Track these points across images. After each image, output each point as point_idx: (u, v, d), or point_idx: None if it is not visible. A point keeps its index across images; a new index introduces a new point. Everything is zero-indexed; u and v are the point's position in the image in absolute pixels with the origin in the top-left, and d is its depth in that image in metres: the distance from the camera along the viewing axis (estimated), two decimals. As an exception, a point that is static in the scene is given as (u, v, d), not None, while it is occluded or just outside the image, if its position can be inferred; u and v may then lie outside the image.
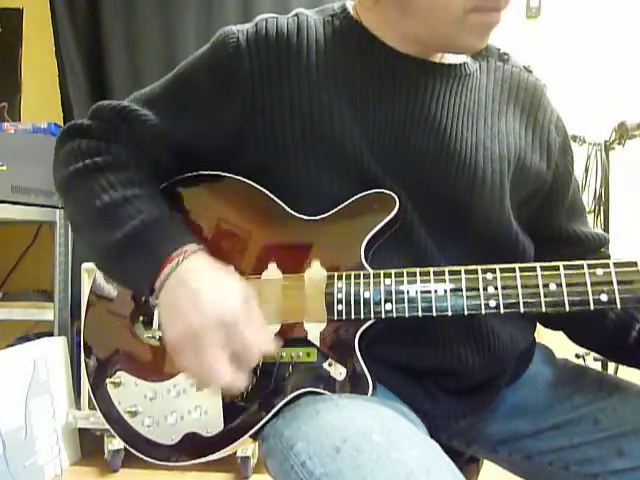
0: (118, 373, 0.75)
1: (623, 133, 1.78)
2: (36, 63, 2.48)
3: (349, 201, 0.71)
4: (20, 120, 2.45)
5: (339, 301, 0.66)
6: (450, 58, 0.76)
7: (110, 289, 0.81)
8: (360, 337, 0.66)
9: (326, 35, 0.74)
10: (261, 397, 0.68)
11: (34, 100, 2.48)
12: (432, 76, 0.74)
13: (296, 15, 0.75)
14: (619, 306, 0.60)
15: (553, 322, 0.88)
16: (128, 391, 0.74)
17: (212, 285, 0.63)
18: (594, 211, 1.90)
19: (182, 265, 0.64)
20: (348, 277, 0.67)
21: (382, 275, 0.66)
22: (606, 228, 1.87)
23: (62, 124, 2.23)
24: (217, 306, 0.60)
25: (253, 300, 0.64)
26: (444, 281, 0.64)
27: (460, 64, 0.76)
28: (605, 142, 1.88)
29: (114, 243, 0.67)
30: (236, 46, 0.72)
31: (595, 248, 0.88)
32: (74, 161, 0.74)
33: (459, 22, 0.67)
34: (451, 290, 0.64)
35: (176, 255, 0.64)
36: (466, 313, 0.63)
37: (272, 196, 0.74)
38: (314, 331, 0.67)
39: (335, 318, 0.67)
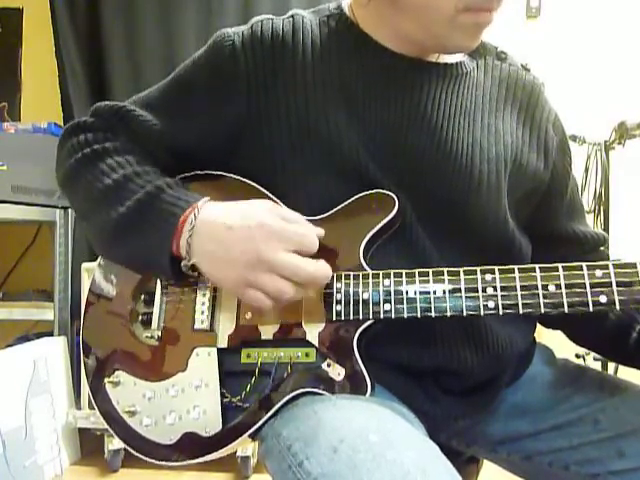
0: (117, 373, 0.75)
1: (623, 133, 1.78)
2: (36, 63, 2.48)
3: (348, 201, 0.71)
4: (20, 120, 2.45)
5: (338, 301, 0.67)
6: (446, 57, 0.76)
7: (109, 288, 0.81)
8: (359, 337, 0.66)
9: (322, 36, 0.74)
10: (260, 397, 0.68)
11: (34, 100, 2.49)
12: (428, 76, 0.74)
13: (292, 16, 0.75)
14: (618, 307, 0.60)
15: (553, 322, 0.88)
16: (127, 391, 0.74)
17: (236, 215, 0.65)
18: (594, 211, 1.90)
19: (199, 218, 0.65)
20: (347, 277, 0.67)
21: (381, 275, 0.66)
22: (606, 228, 1.87)
23: (62, 124, 2.23)
24: (253, 224, 0.63)
25: (276, 205, 0.66)
26: (443, 282, 0.64)
27: (457, 63, 0.76)
28: (605, 142, 1.88)
29: (126, 212, 0.68)
30: (232, 48, 0.72)
31: (594, 247, 0.88)
32: (80, 150, 0.75)
33: (451, 21, 0.67)
34: (450, 291, 0.64)
35: (189, 213, 0.65)
36: (465, 314, 0.63)
37: (271, 196, 0.74)
38: (313, 331, 0.67)
39: (334, 318, 0.67)
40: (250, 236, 0.62)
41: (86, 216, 0.75)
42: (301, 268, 0.62)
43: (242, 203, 0.67)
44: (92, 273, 0.83)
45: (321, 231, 0.66)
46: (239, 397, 0.69)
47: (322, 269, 0.63)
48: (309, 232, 0.64)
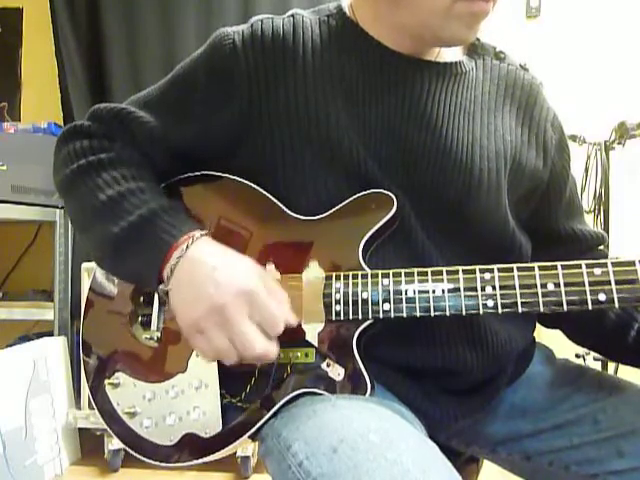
0: (117, 374, 0.76)
1: (623, 133, 1.79)
2: (36, 63, 2.48)
3: (347, 201, 0.71)
4: (20, 120, 2.46)
5: (337, 301, 0.66)
6: (446, 56, 0.76)
7: (109, 288, 0.81)
8: (358, 337, 0.66)
9: (322, 35, 0.74)
10: (259, 397, 0.68)
11: (34, 100, 2.49)
12: (428, 74, 0.74)
13: (292, 15, 0.75)
14: (617, 306, 0.60)
15: (552, 321, 0.88)
16: (127, 392, 0.74)
17: (226, 261, 0.64)
18: (594, 211, 1.90)
19: (191, 248, 0.64)
20: (346, 277, 0.67)
21: (380, 275, 0.66)
22: (606, 228, 1.87)
23: (62, 124, 2.23)
24: (237, 278, 0.61)
25: (268, 276, 0.65)
26: (442, 281, 0.64)
27: (455, 62, 0.76)
28: (605, 142, 1.88)
29: (120, 233, 0.67)
30: (232, 47, 0.72)
31: (593, 246, 0.88)
32: (75, 160, 0.74)
33: (447, 11, 0.67)
34: (449, 290, 0.64)
35: (183, 240, 0.65)
36: (464, 313, 0.63)
37: (270, 196, 0.74)
38: (312, 331, 0.67)
39: (333, 318, 0.66)
40: (228, 285, 0.61)
41: (80, 229, 0.76)
42: (250, 344, 0.60)
43: (239, 256, 0.66)
44: (92, 273, 0.83)
45: (294, 321, 0.64)
46: (239, 398, 0.69)
47: (268, 353, 0.61)
48: (281, 316, 0.62)
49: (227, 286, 0.61)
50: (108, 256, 0.72)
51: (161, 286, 0.66)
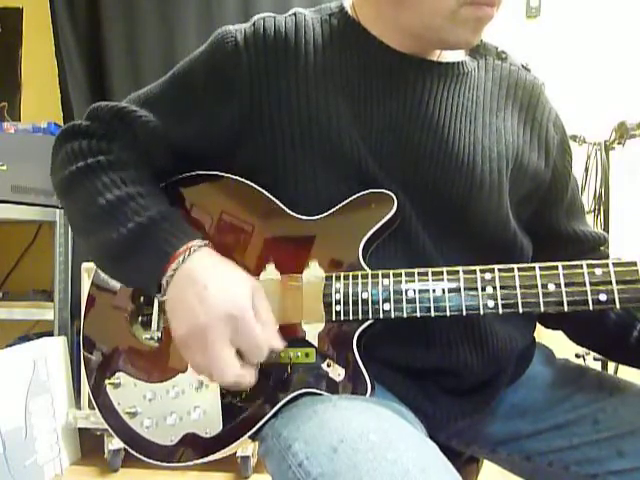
0: (117, 374, 0.76)
1: (623, 133, 1.79)
2: (36, 63, 2.48)
3: (347, 201, 0.71)
4: (20, 120, 2.46)
5: (337, 302, 0.66)
6: (448, 57, 0.76)
7: (110, 288, 0.81)
8: (359, 337, 0.66)
9: (324, 34, 0.74)
10: (260, 398, 0.68)
11: (34, 100, 2.49)
12: (429, 75, 0.74)
13: (294, 14, 0.75)
14: (618, 306, 0.60)
15: (553, 321, 0.88)
16: (127, 392, 0.74)
17: (218, 280, 0.63)
18: (594, 211, 1.90)
19: (188, 261, 0.64)
20: (346, 277, 0.67)
21: (380, 275, 0.66)
22: (606, 228, 1.87)
23: (62, 124, 2.23)
24: (224, 301, 0.61)
25: (260, 295, 0.64)
26: (442, 281, 0.64)
27: (458, 62, 0.76)
28: (605, 142, 1.88)
29: (119, 240, 0.67)
30: (234, 45, 0.72)
31: (594, 247, 0.88)
32: (74, 161, 0.74)
33: (452, 15, 0.67)
34: (449, 290, 0.64)
35: (182, 251, 0.65)
36: (465, 313, 0.63)
37: (270, 196, 0.74)
38: (312, 332, 0.67)
39: (333, 319, 0.66)
40: (215, 307, 0.61)
41: (78, 232, 0.75)
42: (223, 371, 0.60)
43: (236, 273, 0.65)
44: (92, 273, 0.83)
45: (280, 346, 0.64)
46: (239, 398, 0.68)
47: (242, 381, 0.61)
48: (265, 342, 0.62)
49: (214, 308, 0.61)
50: (106, 261, 0.72)
51: (158, 295, 0.66)
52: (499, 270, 0.63)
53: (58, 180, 0.76)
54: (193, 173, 0.79)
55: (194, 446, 0.69)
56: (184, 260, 0.64)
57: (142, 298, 0.78)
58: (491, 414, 0.80)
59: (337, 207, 0.71)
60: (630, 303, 0.60)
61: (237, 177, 0.76)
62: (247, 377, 0.62)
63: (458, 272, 0.64)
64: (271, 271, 0.71)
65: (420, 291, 0.64)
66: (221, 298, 0.61)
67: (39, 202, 2.01)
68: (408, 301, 0.64)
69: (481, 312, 0.63)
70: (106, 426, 0.75)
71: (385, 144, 0.71)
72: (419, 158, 0.72)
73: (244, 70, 0.71)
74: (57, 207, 2.08)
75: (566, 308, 0.61)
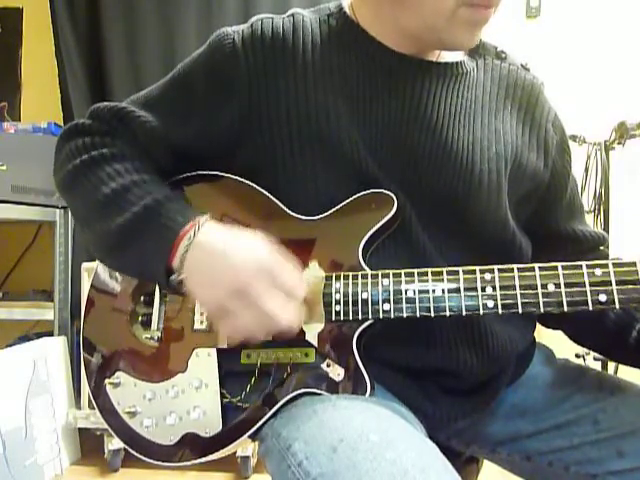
0: (117, 374, 0.76)
1: (623, 133, 1.79)
2: (36, 63, 2.48)
3: (347, 201, 0.71)
4: (20, 120, 2.45)
5: (337, 302, 0.66)
6: (446, 57, 0.76)
7: (110, 288, 0.81)
8: (358, 338, 0.66)
9: (322, 35, 0.75)
10: (259, 397, 0.68)
11: (34, 100, 2.49)
12: (428, 75, 0.74)
13: (292, 15, 0.75)
14: (618, 306, 0.60)
15: (553, 321, 0.88)
16: (127, 392, 0.74)
17: (235, 243, 0.64)
18: (594, 211, 1.90)
19: (198, 236, 0.64)
20: (346, 277, 0.67)
21: (380, 275, 0.66)
22: (606, 228, 1.87)
23: (62, 124, 2.23)
24: (250, 257, 0.62)
25: (272, 243, 0.65)
26: (442, 281, 0.64)
27: (457, 62, 0.76)
28: (605, 142, 1.88)
29: (125, 224, 0.67)
30: (232, 47, 0.72)
31: (594, 247, 0.88)
32: (78, 156, 0.74)
33: (450, 16, 0.67)
34: (449, 290, 0.64)
35: (189, 228, 0.65)
36: (464, 313, 0.63)
37: (270, 196, 0.74)
38: (312, 331, 0.67)
39: (333, 319, 0.66)
40: (244, 267, 0.61)
41: (84, 224, 0.75)
42: (277, 320, 0.61)
43: (244, 233, 0.66)
44: (92, 273, 0.83)
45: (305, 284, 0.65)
46: (239, 397, 0.69)
47: (293, 327, 0.62)
48: (300, 282, 0.63)
49: (244, 267, 0.61)
50: (113, 250, 0.71)
51: (172, 277, 0.65)
52: (499, 270, 0.63)
53: (62, 176, 0.76)
54: (193, 173, 0.79)
55: (194, 446, 0.69)
56: (194, 235, 0.64)
57: (142, 298, 0.78)
58: (491, 414, 0.80)
59: (337, 207, 0.71)
60: (630, 303, 0.60)
61: (237, 177, 0.76)
62: (298, 318, 0.63)
63: (458, 272, 0.64)
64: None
65: (420, 291, 0.64)
66: (246, 256, 0.62)
67: (39, 202, 2.01)
68: (408, 301, 0.64)
69: (481, 312, 0.63)
70: (106, 426, 0.75)
71: (384, 144, 0.71)
72: (418, 158, 0.72)
73: (243, 71, 0.72)
74: (57, 207, 2.08)
75: (566, 308, 0.61)
